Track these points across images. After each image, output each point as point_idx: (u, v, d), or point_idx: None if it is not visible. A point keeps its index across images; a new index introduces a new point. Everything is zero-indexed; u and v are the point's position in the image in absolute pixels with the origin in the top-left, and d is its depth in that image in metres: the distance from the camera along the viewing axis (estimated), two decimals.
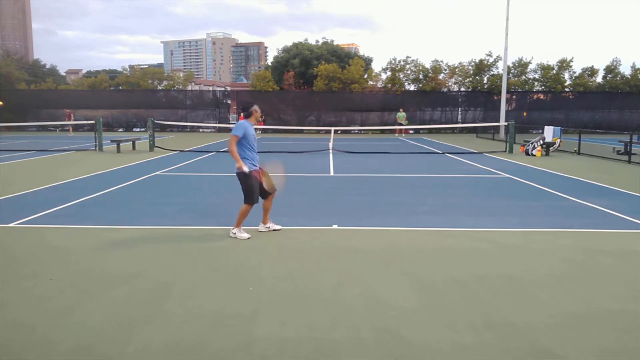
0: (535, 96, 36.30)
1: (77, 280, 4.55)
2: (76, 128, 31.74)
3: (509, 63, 34.13)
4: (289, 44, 41.07)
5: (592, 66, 36.02)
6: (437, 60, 36.01)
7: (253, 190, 6.02)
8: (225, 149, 19.65)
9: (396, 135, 30.77)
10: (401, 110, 30.87)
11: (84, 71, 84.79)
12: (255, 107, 6.22)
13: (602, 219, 7.22)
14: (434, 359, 3.14)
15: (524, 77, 36.32)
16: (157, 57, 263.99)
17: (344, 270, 4.86)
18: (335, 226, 6.64)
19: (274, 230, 6.40)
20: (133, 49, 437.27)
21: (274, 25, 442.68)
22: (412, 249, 5.59)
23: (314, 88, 35.43)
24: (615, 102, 35.18)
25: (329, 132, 27.45)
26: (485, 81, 35.79)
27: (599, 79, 36.32)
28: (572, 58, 36.33)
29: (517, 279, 4.62)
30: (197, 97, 37.68)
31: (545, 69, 35.59)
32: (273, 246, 5.71)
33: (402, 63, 36.06)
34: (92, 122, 19.51)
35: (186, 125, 33.03)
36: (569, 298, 4.15)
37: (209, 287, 4.38)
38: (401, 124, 29.66)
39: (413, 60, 36.20)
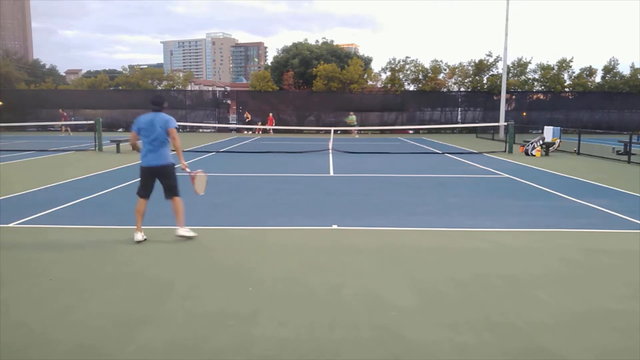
0: (534, 96, 36.32)
1: (77, 280, 4.55)
2: (75, 128, 31.71)
3: (509, 63, 34.16)
4: (289, 44, 41.14)
5: (591, 66, 36.10)
6: (436, 60, 36.07)
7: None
8: (225, 148, 19.66)
9: (355, 135, 30.52)
10: (352, 113, 30.77)
11: (83, 71, 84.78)
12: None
13: (602, 219, 7.22)
14: (434, 358, 3.14)
15: (523, 77, 36.34)
16: (156, 57, 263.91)
17: (344, 270, 4.86)
18: (335, 226, 6.64)
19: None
20: (133, 49, 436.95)
21: (275, 24, 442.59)
22: (412, 249, 5.59)
23: (313, 88, 35.45)
24: (615, 102, 35.19)
25: (328, 132, 27.44)
26: (485, 81, 35.81)
27: (597, 78, 36.38)
28: (572, 58, 36.40)
29: (517, 279, 4.62)
30: (197, 97, 37.70)
31: (544, 69, 35.63)
32: (273, 246, 5.71)
33: (401, 63, 36.10)
34: (92, 122, 19.49)
35: (186, 126, 33.04)
36: (568, 298, 4.15)
37: (209, 287, 4.38)
38: (351, 125, 29.56)
39: (413, 60, 36.26)
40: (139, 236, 5.75)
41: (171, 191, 5.88)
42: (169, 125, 5.77)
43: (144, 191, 5.88)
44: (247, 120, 34.00)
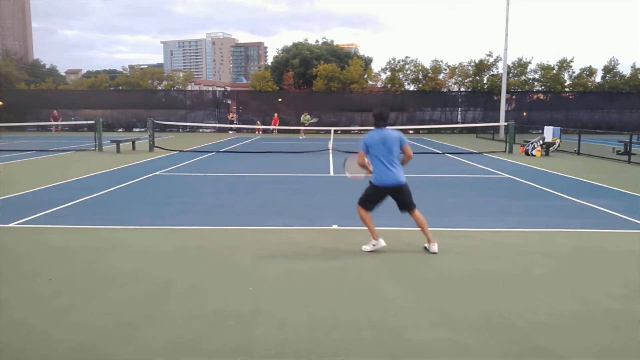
0: (535, 96, 36.35)
1: (77, 280, 4.55)
2: (75, 128, 31.69)
3: (509, 63, 34.16)
4: (289, 44, 41.19)
5: (591, 66, 36.14)
6: (437, 60, 36.11)
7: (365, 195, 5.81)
8: (225, 149, 19.66)
9: (301, 136, 28.86)
10: (306, 113, 30.02)
11: (83, 71, 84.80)
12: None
13: (602, 219, 7.22)
14: (434, 358, 3.14)
15: (523, 77, 36.37)
16: (157, 57, 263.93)
17: (344, 270, 4.86)
18: (335, 226, 6.64)
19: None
20: (133, 49, 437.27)
21: (276, 24, 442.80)
22: (412, 249, 5.60)
23: (313, 88, 35.46)
24: (615, 102, 35.22)
25: (328, 132, 27.42)
26: (485, 81, 35.82)
27: (597, 78, 36.41)
28: (572, 58, 36.44)
29: (516, 279, 4.62)
30: (197, 97, 37.72)
31: (545, 69, 35.64)
32: (273, 246, 5.71)
33: (401, 63, 36.11)
34: (92, 122, 19.50)
35: (186, 126, 33.05)
36: (568, 298, 4.15)
37: (209, 287, 4.38)
38: (303, 124, 28.54)
39: (412, 60, 36.29)
40: (382, 242, 5.56)
41: (409, 207, 5.69)
42: (403, 142, 5.58)
43: (372, 206, 5.74)
44: (230, 119, 34.07)
